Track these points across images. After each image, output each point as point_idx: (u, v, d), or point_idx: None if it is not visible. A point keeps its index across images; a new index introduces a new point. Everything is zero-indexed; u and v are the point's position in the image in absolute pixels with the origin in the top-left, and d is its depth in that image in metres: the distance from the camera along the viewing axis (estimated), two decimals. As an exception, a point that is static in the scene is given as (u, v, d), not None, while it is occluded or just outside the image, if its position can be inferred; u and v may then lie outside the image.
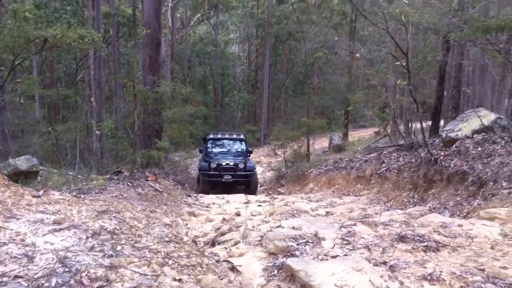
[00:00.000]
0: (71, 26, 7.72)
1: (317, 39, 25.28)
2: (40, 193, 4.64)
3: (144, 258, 3.62)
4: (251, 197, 13.04)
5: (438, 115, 15.91)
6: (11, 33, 7.01)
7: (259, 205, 10.93)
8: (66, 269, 3.26)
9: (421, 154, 10.25)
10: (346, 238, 5.01)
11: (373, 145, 16.97)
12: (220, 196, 13.04)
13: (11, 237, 3.59)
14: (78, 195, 6.06)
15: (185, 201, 11.26)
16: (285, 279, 4.18)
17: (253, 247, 5.34)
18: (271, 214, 8.99)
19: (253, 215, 9.50)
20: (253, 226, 7.09)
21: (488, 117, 9.31)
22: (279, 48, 38.52)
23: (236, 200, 12.24)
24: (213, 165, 15.54)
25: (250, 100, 41.76)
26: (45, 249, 3.50)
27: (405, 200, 9.16)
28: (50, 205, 4.31)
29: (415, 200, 8.87)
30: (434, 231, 5.19)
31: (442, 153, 9.01)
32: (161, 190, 10.09)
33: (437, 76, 16.05)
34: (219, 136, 18.14)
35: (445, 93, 17.66)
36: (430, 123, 15.75)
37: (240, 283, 4.22)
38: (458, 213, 6.99)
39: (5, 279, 3.09)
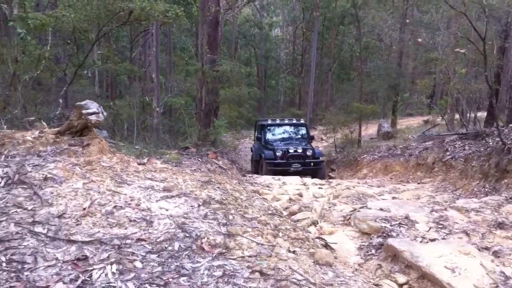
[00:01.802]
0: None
1: (371, 22, 24.78)
2: (145, 160, 4.71)
3: (256, 228, 3.63)
4: (306, 180, 12.93)
5: (494, 106, 15.46)
6: (98, 4, 7.10)
7: (319, 188, 10.87)
8: (187, 235, 3.29)
9: (490, 143, 10.00)
10: (441, 222, 4.94)
11: (428, 133, 16.67)
12: (276, 177, 12.98)
13: (126, 202, 3.64)
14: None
15: (246, 179, 11.28)
16: (385, 258, 4.13)
17: (340, 227, 5.32)
18: (336, 197, 8.91)
19: (316, 197, 9.45)
20: (329, 207, 7.02)
21: None
22: (327, 32, 38.06)
23: (292, 182, 12.16)
24: (279, 153, 14.68)
25: (297, 84, 41.51)
26: (161, 214, 3.54)
27: (475, 189, 8.95)
28: (156, 173, 4.36)
29: (486, 189, 8.66)
30: (528, 220, 5.07)
31: (517, 143, 8.76)
32: (225, 167, 10.15)
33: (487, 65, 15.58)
34: (277, 121, 17.23)
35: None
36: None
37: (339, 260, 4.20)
38: (539, 203, 6.79)
39: (128, 241, 3.13)
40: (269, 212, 4.26)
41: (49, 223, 3.19)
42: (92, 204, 3.50)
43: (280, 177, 13.06)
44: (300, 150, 14.84)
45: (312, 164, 14.86)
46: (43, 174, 3.75)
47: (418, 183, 11.17)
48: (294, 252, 3.45)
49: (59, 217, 3.28)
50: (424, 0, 23.73)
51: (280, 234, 3.70)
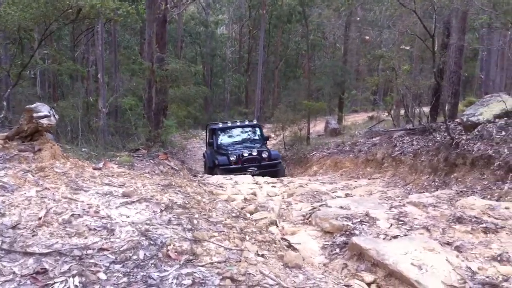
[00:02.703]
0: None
1: (317, 20, 25.06)
2: (100, 165, 4.51)
3: (222, 232, 3.53)
4: (258, 179, 12.84)
5: (437, 101, 15.90)
6: (46, 2, 6.78)
7: (273, 186, 10.83)
8: (151, 242, 3.15)
9: (437, 138, 10.27)
10: (401, 219, 4.98)
11: (375, 129, 16.98)
12: (228, 176, 12.83)
13: (84, 209, 3.46)
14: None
15: (198, 180, 11.12)
16: (351, 257, 4.11)
17: (301, 226, 5.28)
18: (291, 195, 8.89)
19: (270, 196, 9.39)
20: (286, 206, 6.98)
21: (509, 101, 9.32)
22: (273, 30, 38.22)
23: (244, 181, 12.03)
24: (233, 158, 14.18)
25: (243, 82, 41.50)
26: (122, 221, 3.38)
27: (425, 183, 9.15)
28: (113, 178, 4.18)
29: (436, 183, 8.87)
30: (483, 213, 5.18)
31: (464, 137, 9.00)
32: (177, 168, 9.96)
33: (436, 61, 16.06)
34: (229, 124, 16.61)
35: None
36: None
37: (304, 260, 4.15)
38: (488, 196, 6.98)
39: (90, 251, 2.97)
40: (233, 214, 4.16)
41: (3, 235, 2.98)
42: (48, 213, 3.30)
43: (232, 176, 12.88)
44: (255, 153, 14.45)
45: (269, 166, 14.45)
46: (-8, 182, 3.52)
47: (369, 179, 11.34)
48: (263, 255, 3.36)
49: (13, 228, 3.07)
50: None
51: (247, 237, 3.61)
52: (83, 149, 9.43)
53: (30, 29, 7.90)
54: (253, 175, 13.61)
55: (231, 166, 14.09)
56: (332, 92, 27.98)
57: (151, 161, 8.65)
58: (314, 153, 16.93)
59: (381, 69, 19.93)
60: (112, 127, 17.26)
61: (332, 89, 27.38)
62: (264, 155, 14.45)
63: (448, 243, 4.26)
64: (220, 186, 10.69)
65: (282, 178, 13.27)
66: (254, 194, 9.51)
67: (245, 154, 14.31)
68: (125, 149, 11.22)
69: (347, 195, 9.06)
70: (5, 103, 8.82)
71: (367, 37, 20.96)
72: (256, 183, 11.65)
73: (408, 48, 13.92)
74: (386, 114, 18.05)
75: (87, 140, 13.13)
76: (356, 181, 11.22)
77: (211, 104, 42.19)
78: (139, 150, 9.79)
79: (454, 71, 16.55)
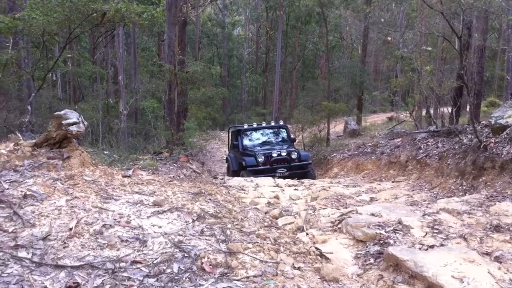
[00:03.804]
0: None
1: (335, 21, 24.92)
2: (130, 172, 4.42)
3: (256, 244, 3.41)
4: (279, 181, 12.63)
5: (457, 102, 15.65)
6: (71, 6, 6.72)
7: (295, 189, 10.69)
8: (185, 254, 3.05)
9: (464, 140, 10.05)
10: (436, 227, 4.82)
11: (396, 130, 16.78)
12: (248, 179, 12.69)
13: (115, 219, 3.37)
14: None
15: (220, 183, 11.03)
16: (387, 268, 3.97)
17: (331, 234, 5.14)
18: (314, 199, 8.74)
19: (293, 199, 9.28)
20: (313, 211, 6.84)
21: (539, 103, 9.09)
22: (291, 31, 38.05)
23: (265, 183, 11.86)
24: (261, 159, 13.64)
25: (261, 83, 41.40)
26: (155, 232, 3.29)
27: (452, 187, 8.95)
28: (143, 186, 4.08)
29: (464, 187, 8.66)
30: (520, 221, 5.01)
31: (493, 140, 8.79)
32: (199, 171, 9.88)
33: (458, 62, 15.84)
34: (254, 125, 15.97)
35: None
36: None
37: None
38: (521, 201, 6.78)
39: (122, 264, 2.88)
40: (265, 224, 4.05)
41: (33, 247, 2.91)
42: (79, 223, 3.22)
43: (253, 178, 12.71)
44: (284, 154, 13.96)
45: (298, 167, 14.01)
46: (21, 191, 3.45)
47: (393, 182, 11.15)
48: (299, 268, 3.25)
49: (43, 239, 3.00)
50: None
51: (282, 249, 3.49)
52: (105, 152, 9.39)
53: (54, 33, 7.85)
54: (283, 177, 13.28)
55: (259, 167, 13.63)
56: (351, 92, 27.80)
57: (174, 164, 8.58)
58: (334, 154, 16.77)
59: (400, 70, 19.68)
60: (132, 129, 17.26)
61: (350, 90, 27.19)
62: (294, 155, 13.99)
63: (487, 253, 4.10)
64: (242, 189, 10.57)
65: (303, 180, 13.02)
66: (277, 197, 9.38)
67: (274, 155, 13.85)
68: (146, 151, 11.18)
69: (372, 198, 8.91)
70: (29, 107, 8.79)
71: (389, 38, 20.73)
72: (278, 186, 11.52)
73: (430, 49, 13.68)
74: (407, 115, 17.78)
75: (108, 143, 13.14)
76: (379, 184, 11.04)
77: (228, 105, 42.17)
78: (162, 153, 9.72)
79: (477, 71, 16.30)
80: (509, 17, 10.34)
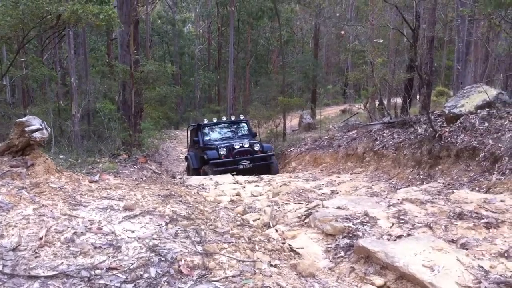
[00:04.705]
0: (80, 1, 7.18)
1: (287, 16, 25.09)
2: (97, 177, 4.32)
3: (231, 243, 3.40)
4: (239, 177, 12.61)
5: (409, 93, 16.05)
6: (24, 9, 6.48)
7: (256, 186, 10.71)
8: (161, 258, 3.01)
9: (419, 130, 10.31)
10: (401, 217, 4.93)
11: (351, 123, 17.01)
12: (207, 177, 12.62)
13: (86, 226, 3.29)
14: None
15: (179, 183, 10.93)
16: (358, 260, 4.03)
17: (299, 229, 5.18)
18: (276, 194, 8.78)
19: (255, 196, 9.28)
20: (278, 207, 6.87)
21: (489, 92, 9.39)
22: (243, 27, 38.04)
23: (224, 181, 11.81)
24: (223, 151, 13.58)
25: (214, 80, 41.23)
26: (128, 237, 3.23)
27: (409, 177, 9.17)
28: (112, 190, 4.00)
29: (421, 176, 8.89)
30: (480, 207, 5.16)
31: (447, 129, 9.05)
32: (159, 172, 9.77)
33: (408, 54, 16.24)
34: (215, 120, 16.03)
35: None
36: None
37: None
38: (477, 188, 7.01)
39: (98, 271, 2.81)
40: (238, 223, 4.04)
41: (4, 258, 2.81)
42: (49, 231, 3.13)
43: (211, 176, 12.63)
44: (246, 145, 13.89)
45: (261, 159, 14.02)
46: (-15, 202, 3.32)
47: (351, 174, 11.33)
48: (276, 266, 3.25)
49: (13, 250, 2.90)
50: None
51: (257, 247, 3.49)
52: (61, 156, 9.14)
53: (7, 37, 7.55)
54: (246, 170, 13.34)
55: (221, 160, 13.55)
56: (304, 86, 28.07)
57: (134, 166, 8.44)
58: (291, 149, 16.90)
59: (352, 63, 20.05)
60: (85, 132, 16.86)
61: (303, 84, 27.46)
62: (256, 147, 13.99)
63: (453, 241, 4.22)
64: (203, 188, 10.50)
65: (262, 176, 13.00)
66: (239, 194, 9.37)
67: (236, 147, 13.78)
68: (101, 153, 10.94)
69: (332, 191, 9.01)
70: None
71: (342, 32, 21.04)
72: (238, 183, 11.50)
73: (381, 41, 13.97)
74: (360, 107, 18.09)
75: (61, 146, 12.80)
76: (338, 177, 11.20)
77: (182, 104, 41.81)
78: (120, 155, 9.55)
79: (426, 62, 16.75)
80: (460, 8, 10.64)
